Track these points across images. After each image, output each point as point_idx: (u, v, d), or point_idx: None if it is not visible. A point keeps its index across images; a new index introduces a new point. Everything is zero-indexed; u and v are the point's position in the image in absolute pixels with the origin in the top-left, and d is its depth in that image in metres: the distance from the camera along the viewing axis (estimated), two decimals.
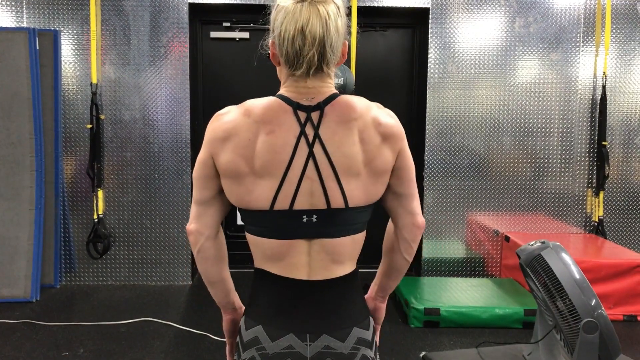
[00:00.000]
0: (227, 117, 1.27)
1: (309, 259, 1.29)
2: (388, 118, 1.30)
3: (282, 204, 1.24)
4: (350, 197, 1.26)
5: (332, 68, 1.28)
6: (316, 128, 1.24)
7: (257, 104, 1.26)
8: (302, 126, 1.23)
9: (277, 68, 1.33)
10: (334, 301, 1.31)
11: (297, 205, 1.25)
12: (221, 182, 1.29)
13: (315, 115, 1.25)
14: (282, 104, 1.25)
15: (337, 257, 1.30)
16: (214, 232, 1.37)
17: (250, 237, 1.34)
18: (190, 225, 1.35)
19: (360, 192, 1.27)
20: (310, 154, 1.23)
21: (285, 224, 1.26)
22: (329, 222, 1.27)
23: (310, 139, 1.24)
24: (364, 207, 1.30)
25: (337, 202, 1.25)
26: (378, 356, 1.38)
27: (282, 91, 1.29)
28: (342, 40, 1.26)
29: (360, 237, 1.34)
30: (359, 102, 1.29)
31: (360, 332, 1.31)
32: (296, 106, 1.24)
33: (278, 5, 1.24)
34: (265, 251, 1.30)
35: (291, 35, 1.20)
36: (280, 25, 1.21)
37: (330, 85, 1.29)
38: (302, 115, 1.24)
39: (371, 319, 1.38)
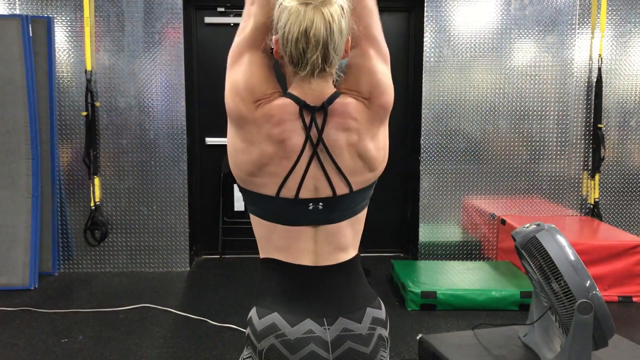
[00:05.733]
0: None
1: (314, 247, 1.32)
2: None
3: (287, 194, 1.28)
4: (354, 183, 1.30)
5: (334, 68, 1.29)
6: (320, 131, 1.26)
7: (275, 104, 1.27)
8: (308, 129, 1.26)
9: (280, 62, 1.33)
10: (343, 284, 1.34)
11: (303, 195, 1.28)
12: (234, 129, 1.30)
13: (319, 116, 1.27)
14: (292, 103, 1.27)
15: (341, 245, 1.34)
16: None
17: (255, 220, 1.35)
18: None
19: (365, 178, 1.31)
20: (315, 154, 1.27)
21: (291, 211, 1.29)
22: (334, 208, 1.30)
23: (315, 140, 1.26)
24: (368, 186, 1.34)
25: (342, 190, 1.30)
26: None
27: (290, 90, 1.30)
28: (345, 39, 1.26)
29: (362, 216, 1.37)
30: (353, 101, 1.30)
31: (374, 312, 1.34)
32: (303, 105, 1.26)
33: (281, 4, 1.22)
34: (271, 238, 1.33)
35: (295, 38, 1.20)
36: (284, 27, 1.21)
37: (331, 85, 1.31)
38: (307, 116, 1.26)
39: (380, 300, 1.40)
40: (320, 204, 1.29)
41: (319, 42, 1.20)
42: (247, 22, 1.30)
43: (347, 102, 1.29)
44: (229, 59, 1.31)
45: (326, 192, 1.29)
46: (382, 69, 1.31)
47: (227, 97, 1.29)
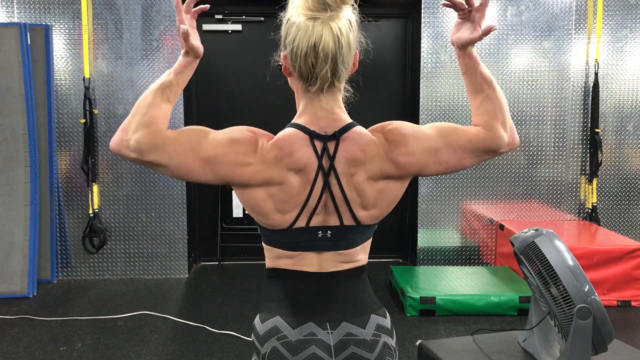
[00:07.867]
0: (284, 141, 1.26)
1: (319, 260, 1.32)
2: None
3: (300, 224, 1.28)
4: (361, 219, 1.30)
5: (343, 82, 1.29)
6: (332, 159, 1.25)
7: (283, 138, 1.26)
8: (320, 158, 1.25)
9: (289, 79, 1.33)
10: (348, 291, 1.34)
11: (313, 223, 1.28)
12: (253, 191, 1.26)
13: (331, 145, 1.26)
14: (301, 134, 1.26)
15: (347, 259, 1.34)
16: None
17: (265, 244, 1.37)
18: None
19: (371, 215, 1.31)
20: (326, 184, 1.26)
21: (301, 239, 1.29)
22: (342, 237, 1.31)
23: (326, 169, 1.25)
24: (375, 223, 1.35)
25: (349, 221, 1.29)
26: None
27: (299, 119, 1.29)
28: (353, 53, 1.26)
29: (370, 240, 1.38)
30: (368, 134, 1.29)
31: (379, 319, 1.34)
32: (314, 135, 1.25)
33: (289, 20, 1.23)
34: (278, 253, 1.34)
35: (304, 53, 1.20)
36: (293, 42, 1.21)
37: (343, 109, 1.30)
38: (319, 145, 1.25)
39: (386, 310, 1.40)
40: (329, 232, 1.29)
41: (328, 57, 1.20)
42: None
43: (362, 134, 1.28)
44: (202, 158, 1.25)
45: (334, 221, 1.29)
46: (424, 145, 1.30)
47: (235, 172, 1.24)
